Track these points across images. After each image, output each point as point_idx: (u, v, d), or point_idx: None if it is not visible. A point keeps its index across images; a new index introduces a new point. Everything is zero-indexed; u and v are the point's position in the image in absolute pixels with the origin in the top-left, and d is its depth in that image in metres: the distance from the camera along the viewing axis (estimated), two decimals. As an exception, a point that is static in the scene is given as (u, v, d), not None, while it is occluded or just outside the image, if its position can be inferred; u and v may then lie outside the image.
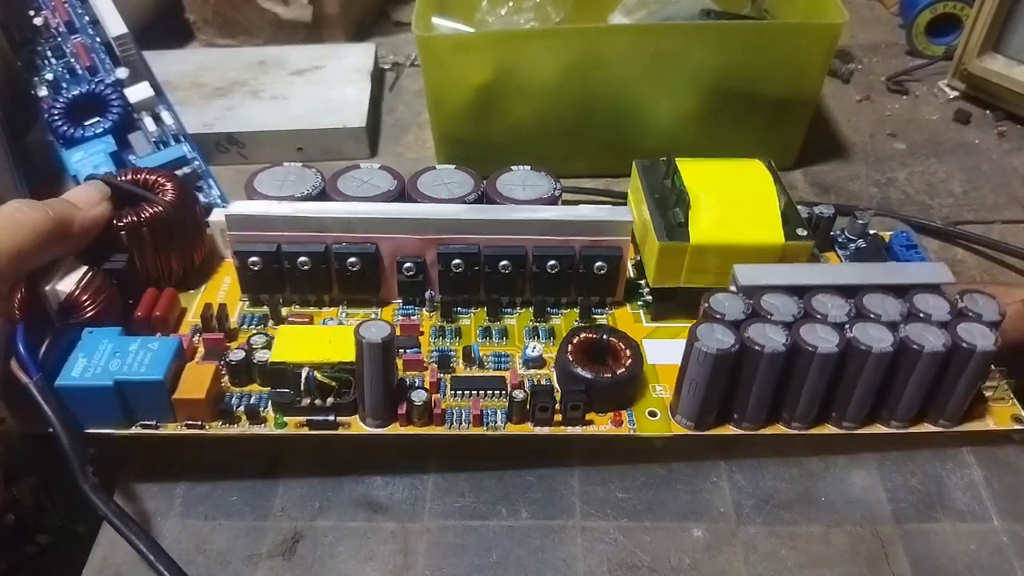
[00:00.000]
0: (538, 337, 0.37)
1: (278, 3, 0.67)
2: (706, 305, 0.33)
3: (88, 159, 0.48)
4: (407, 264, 0.36)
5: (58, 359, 0.31)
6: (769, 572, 0.30)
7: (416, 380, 0.34)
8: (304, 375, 0.32)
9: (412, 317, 0.37)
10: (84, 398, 0.31)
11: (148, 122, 0.50)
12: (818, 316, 0.32)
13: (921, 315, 0.32)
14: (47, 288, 0.33)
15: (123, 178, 0.38)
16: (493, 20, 0.58)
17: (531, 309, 0.38)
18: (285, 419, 0.32)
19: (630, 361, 0.33)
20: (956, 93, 0.62)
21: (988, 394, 0.35)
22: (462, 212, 0.36)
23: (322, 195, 0.40)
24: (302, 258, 0.36)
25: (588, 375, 0.33)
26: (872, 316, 0.32)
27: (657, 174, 0.40)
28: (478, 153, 0.53)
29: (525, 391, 0.33)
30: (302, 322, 0.37)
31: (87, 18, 0.51)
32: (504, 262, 0.36)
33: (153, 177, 0.38)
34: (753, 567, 0.31)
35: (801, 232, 0.36)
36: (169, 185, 0.38)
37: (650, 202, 0.38)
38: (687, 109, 0.51)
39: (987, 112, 0.60)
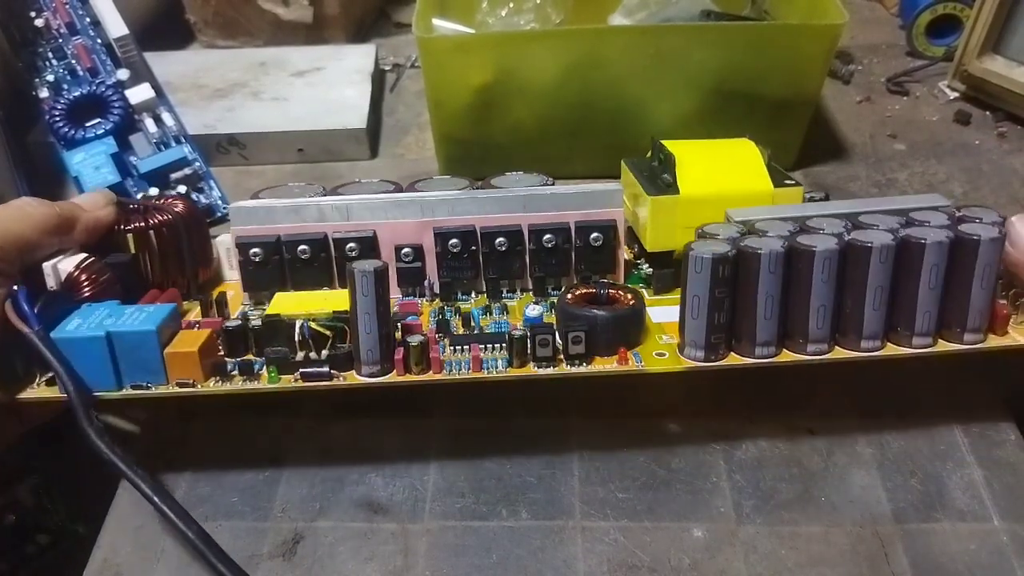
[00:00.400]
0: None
1: (278, 4, 0.67)
2: (699, 231, 0.33)
3: (89, 160, 0.48)
4: (405, 250, 0.37)
5: (54, 321, 0.32)
6: (769, 572, 0.30)
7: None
8: (298, 326, 0.32)
9: (412, 299, 0.38)
10: (77, 353, 0.31)
11: (149, 123, 0.51)
12: (816, 231, 0.32)
13: (919, 222, 0.32)
14: (48, 266, 0.33)
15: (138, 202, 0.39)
16: (493, 21, 0.58)
17: (531, 293, 0.38)
18: (280, 376, 0.32)
19: (632, 301, 0.33)
20: (956, 94, 0.62)
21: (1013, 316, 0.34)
22: (457, 194, 0.37)
23: None
24: (302, 246, 0.36)
25: (589, 312, 0.32)
26: (871, 226, 0.32)
27: (644, 162, 0.41)
28: (478, 154, 0.53)
29: (524, 329, 0.32)
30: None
31: (88, 19, 0.52)
32: (501, 239, 0.36)
33: (166, 199, 0.39)
34: (753, 567, 0.31)
35: (790, 182, 0.37)
36: (181, 203, 0.39)
37: (640, 181, 0.38)
38: (687, 110, 0.51)
39: (987, 113, 0.60)
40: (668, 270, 0.38)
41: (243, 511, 0.33)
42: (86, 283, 0.34)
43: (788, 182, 0.37)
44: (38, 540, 0.35)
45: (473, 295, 0.38)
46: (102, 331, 0.31)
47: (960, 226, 0.32)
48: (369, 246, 0.37)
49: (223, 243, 0.40)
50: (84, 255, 0.34)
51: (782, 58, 0.49)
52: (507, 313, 0.37)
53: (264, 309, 0.34)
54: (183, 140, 0.51)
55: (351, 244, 0.36)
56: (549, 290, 0.38)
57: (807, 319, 0.31)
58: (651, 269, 0.38)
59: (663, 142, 0.39)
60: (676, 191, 0.37)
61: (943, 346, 0.33)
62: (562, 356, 0.32)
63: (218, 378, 0.32)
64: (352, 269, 0.30)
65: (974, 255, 0.31)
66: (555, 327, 0.33)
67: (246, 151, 0.56)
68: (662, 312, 0.36)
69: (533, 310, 0.35)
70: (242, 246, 0.36)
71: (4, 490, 0.34)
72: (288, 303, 0.34)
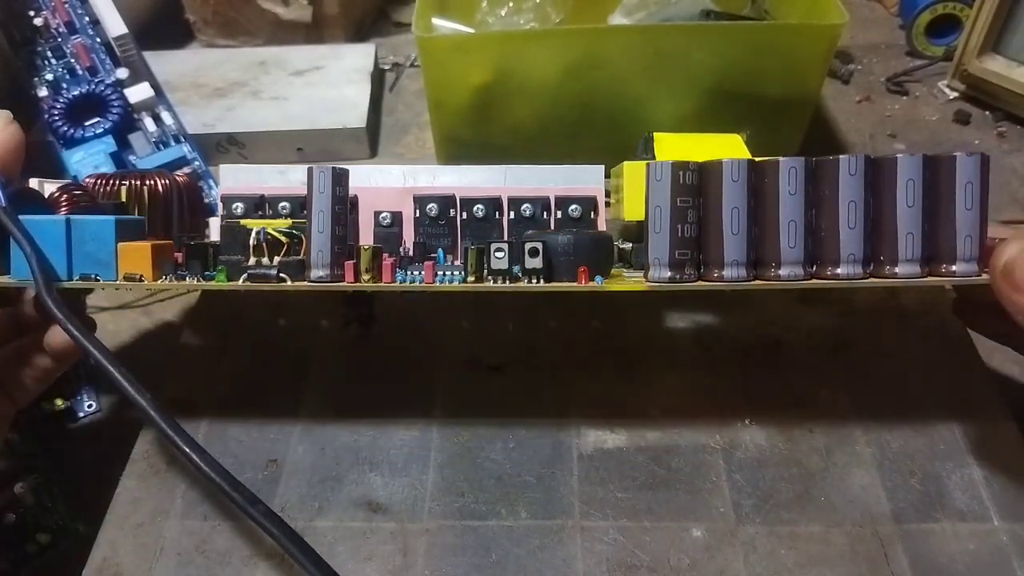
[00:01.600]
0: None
1: (278, 3, 0.67)
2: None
3: (88, 159, 0.48)
4: (383, 214, 0.37)
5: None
6: (769, 572, 0.30)
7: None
8: (254, 232, 0.32)
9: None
10: (35, 236, 0.31)
11: (148, 122, 0.51)
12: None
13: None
14: (35, 181, 0.34)
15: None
16: (493, 21, 0.58)
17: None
18: (228, 280, 0.32)
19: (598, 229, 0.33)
20: (956, 94, 0.62)
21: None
22: (438, 170, 0.38)
23: None
24: (283, 203, 0.36)
25: (551, 235, 0.31)
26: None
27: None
28: (478, 153, 0.53)
29: (505, 249, 0.31)
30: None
31: (87, 18, 0.52)
32: (479, 206, 0.36)
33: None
34: (753, 567, 0.31)
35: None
36: (184, 177, 0.39)
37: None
38: (687, 109, 0.51)
39: (987, 113, 0.60)
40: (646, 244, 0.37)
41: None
42: (65, 203, 0.34)
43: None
44: (38, 539, 0.35)
45: (449, 258, 0.37)
46: (63, 217, 0.31)
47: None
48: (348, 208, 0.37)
49: (216, 224, 0.40)
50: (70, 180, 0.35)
51: (782, 58, 0.49)
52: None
53: None
54: (182, 139, 0.51)
55: None
56: None
57: (777, 238, 0.29)
58: (630, 244, 0.37)
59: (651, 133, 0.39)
60: (652, 158, 0.36)
61: (933, 279, 0.30)
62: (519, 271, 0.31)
63: (167, 277, 0.31)
64: (310, 167, 0.30)
65: (951, 170, 0.29)
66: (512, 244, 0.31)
67: (245, 150, 0.56)
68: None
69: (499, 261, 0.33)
70: (226, 200, 0.37)
71: (4, 489, 0.34)
72: (253, 222, 0.33)
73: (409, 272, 0.31)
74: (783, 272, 0.30)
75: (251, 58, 0.65)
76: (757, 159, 0.30)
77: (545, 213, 0.37)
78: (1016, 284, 0.28)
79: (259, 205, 0.37)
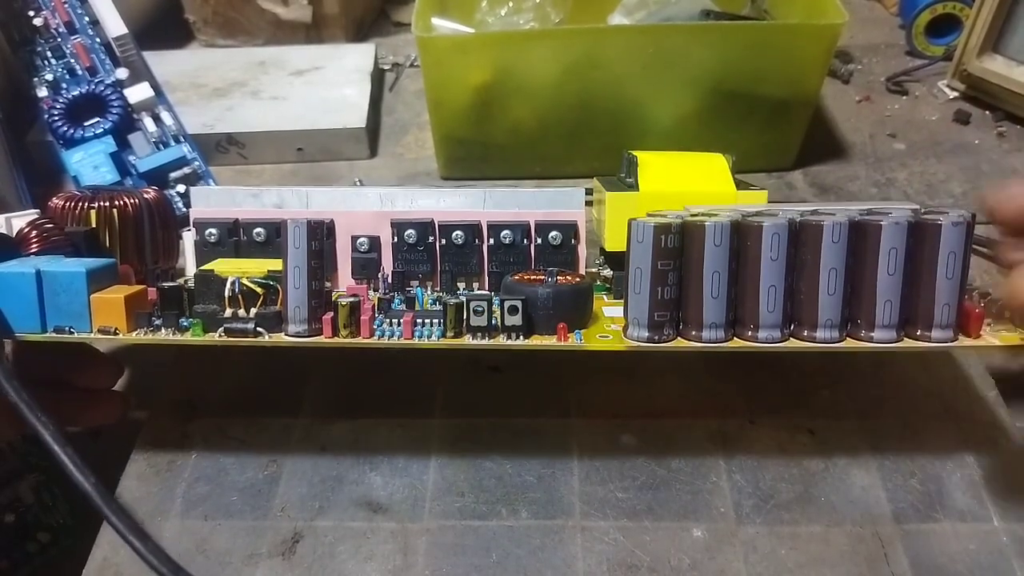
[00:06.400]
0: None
1: (278, 3, 0.67)
2: (649, 214, 0.31)
3: (88, 159, 0.48)
4: (360, 239, 0.36)
5: None
6: (769, 572, 0.31)
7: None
8: (229, 281, 0.31)
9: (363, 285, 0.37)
10: (4, 290, 0.30)
11: (148, 122, 0.51)
12: (770, 215, 0.30)
13: (880, 212, 0.30)
14: (1, 218, 0.34)
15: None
16: (493, 20, 0.58)
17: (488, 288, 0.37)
18: (204, 333, 0.31)
19: (578, 280, 0.32)
20: (956, 93, 0.62)
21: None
22: (417, 190, 0.37)
23: None
24: (257, 229, 0.36)
25: (529, 287, 0.31)
26: (828, 214, 0.30)
27: (614, 177, 0.41)
28: (478, 153, 0.53)
29: (460, 298, 0.31)
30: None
31: (87, 18, 0.52)
32: (458, 232, 0.36)
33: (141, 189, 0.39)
34: (753, 567, 0.31)
35: (755, 187, 0.37)
36: (152, 192, 0.39)
37: (604, 185, 0.39)
38: (687, 109, 0.51)
39: (987, 112, 0.60)
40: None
41: (243, 510, 0.33)
42: (35, 240, 0.33)
43: (753, 187, 0.37)
44: (39, 538, 0.35)
45: (428, 290, 0.37)
46: (32, 268, 0.30)
47: (923, 215, 0.30)
48: (325, 233, 0.36)
49: (191, 239, 0.39)
50: (36, 212, 0.34)
51: (782, 58, 0.49)
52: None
53: None
54: (182, 139, 0.51)
55: None
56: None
57: (757, 301, 0.29)
58: (611, 272, 0.37)
59: (633, 152, 0.40)
60: (636, 189, 0.37)
61: (909, 344, 0.30)
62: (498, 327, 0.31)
63: (143, 330, 0.31)
64: (285, 220, 0.30)
65: (936, 239, 0.29)
66: (491, 298, 0.31)
67: (245, 150, 0.56)
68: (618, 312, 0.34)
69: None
70: (199, 225, 0.36)
71: (4, 488, 0.34)
72: (227, 267, 0.32)
73: (388, 324, 0.31)
74: (761, 335, 0.30)
75: (251, 58, 0.65)
76: (741, 221, 0.29)
77: (525, 240, 0.36)
78: None
79: (233, 230, 0.36)
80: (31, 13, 0.51)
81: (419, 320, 0.31)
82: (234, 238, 0.36)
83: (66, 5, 0.51)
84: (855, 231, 0.29)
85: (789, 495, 0.33)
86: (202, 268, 0.32)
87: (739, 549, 0.31)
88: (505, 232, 0.36)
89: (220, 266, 0.32)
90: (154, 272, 0.35)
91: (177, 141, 0.51)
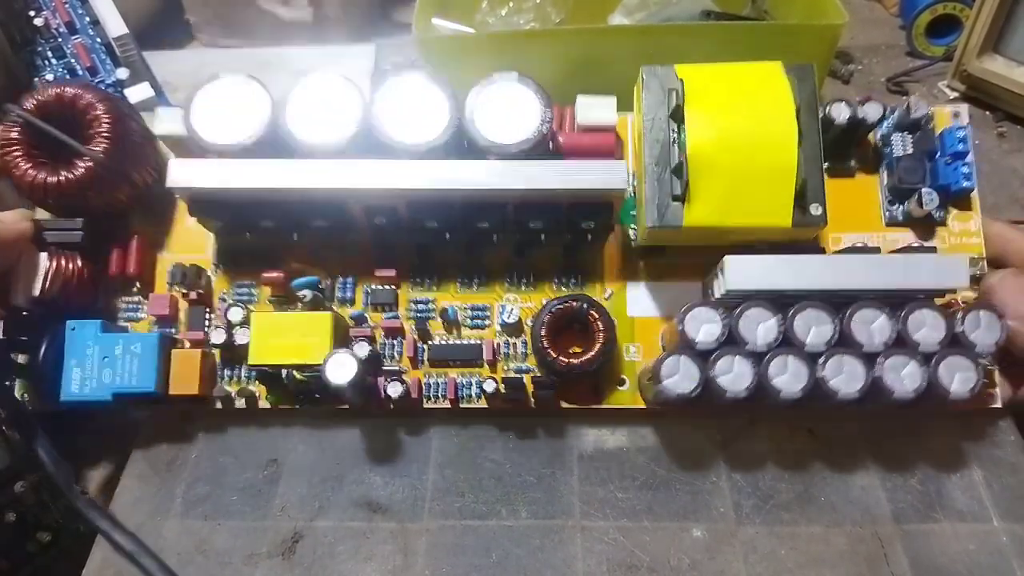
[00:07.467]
0: (520, 286, 0.37)
1: (278, 4, 0.67)
2: (680, 328, 0.31)
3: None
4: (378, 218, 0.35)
5: (53, 359, 0.34)
6: (769, 572, 0.30)
7: (393, 347, 0.36)
8: (284, 374, 0.34)
9: (395, 318, 0.36)
10: (87, 407, 0.34)
11: (148, 122, 0.50)
12: (795, 343, 0.31)
13: (908, 342, 0.31)
14: (15, 291, 0.34)
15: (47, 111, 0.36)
16: (493, 21, 0.58)
17: (505, 283, 0.37)
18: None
19: (602, 342, 0.33)
20: (956, 94, 0.62)
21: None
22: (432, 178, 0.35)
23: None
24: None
25: (559, 366, 0.33)
26: (854, 342, 0.31)
27: (663, 89, 0.36)
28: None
29: (497, 383, 0.34)
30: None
31: (87, 19, 0.51)
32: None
33: (83, 109, 0.36)
34: (753, 567, 0.31)
35: (815, 211, 0.32)
36: (104, 126, 0.36)
37: (647, 141, 0.34)
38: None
39: (987, 113, 0.60)
40: (658, 259, 0.37)
41: (243, 510, 0.33)
42: (61, 295, 0.34)
43: (814, 210, 0.32)
44: (39, 538, 0.35)
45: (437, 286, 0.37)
46: (108, 394, 0.33)
47: (944, 361, 0.31)
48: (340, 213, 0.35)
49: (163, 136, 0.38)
50: (44, 264, 0.34)
51: (782, 58, 0.49)
52: (486, 281, 0.37)
53: (241, 308, 0.35)
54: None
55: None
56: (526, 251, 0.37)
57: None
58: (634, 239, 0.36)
59: (687, 86, 0.35)
60: (679, 220, 0.32)
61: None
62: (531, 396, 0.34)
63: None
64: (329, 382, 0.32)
65: (940, 405, 0.31)
66: (523, 384, 0.34)
67: (246, 150, 0.56)
68: (642, 301, 0.36)
69: (510, 315, 0.35)
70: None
71: (5, 488, 0.34)
72: (267, 336, 0.33)
73: (434, 391, 0.36)
74: None
75: (251, 58, 0.65)
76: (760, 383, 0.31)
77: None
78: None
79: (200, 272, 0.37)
80: (32, 13, 0.51)
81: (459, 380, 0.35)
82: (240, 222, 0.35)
83: (67, 5, 0.51)
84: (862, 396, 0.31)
85: (789, 495, 0.33)
86: (252, 364, 0.33)
87: (739, 549, 0.31)
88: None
89: (264, 348, 0.33)
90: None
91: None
